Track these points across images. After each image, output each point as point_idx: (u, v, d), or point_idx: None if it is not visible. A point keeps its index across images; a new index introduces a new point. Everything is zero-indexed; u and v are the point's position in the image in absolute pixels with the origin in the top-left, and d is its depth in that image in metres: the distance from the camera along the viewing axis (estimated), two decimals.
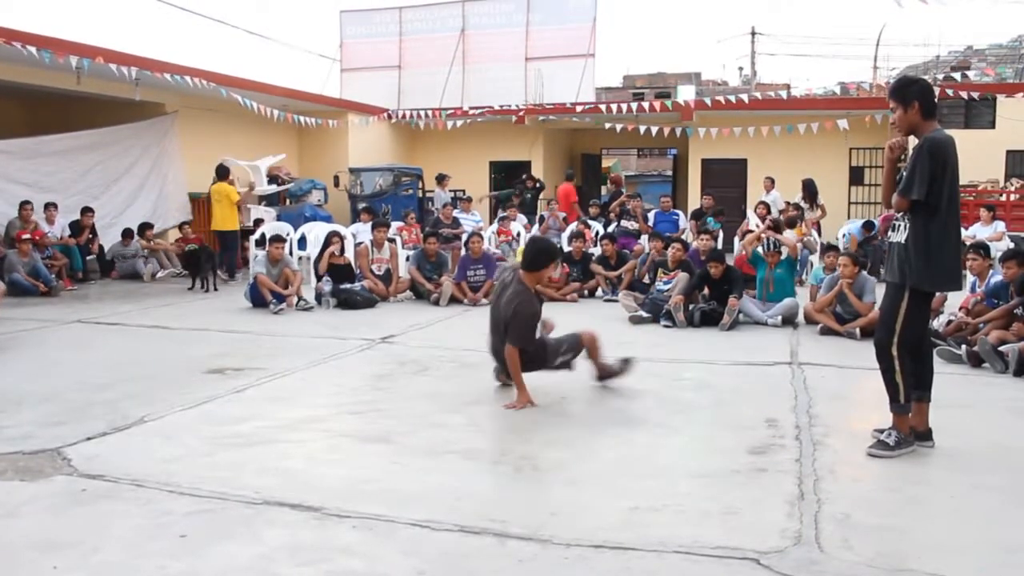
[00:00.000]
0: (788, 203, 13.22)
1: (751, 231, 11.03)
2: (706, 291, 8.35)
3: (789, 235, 10.04)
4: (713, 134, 15.25)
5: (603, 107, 16.95)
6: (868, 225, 12.92)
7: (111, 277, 12.15)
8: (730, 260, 9.17)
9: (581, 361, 5.40)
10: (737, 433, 4.44)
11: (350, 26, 21.41)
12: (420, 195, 16.31)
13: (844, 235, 13.15)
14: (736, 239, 12.17)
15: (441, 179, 15.58)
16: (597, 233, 12.48)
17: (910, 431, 4.09)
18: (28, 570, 2.80)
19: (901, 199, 3.97)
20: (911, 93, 4.03)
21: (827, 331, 7.58)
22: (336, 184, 16.08)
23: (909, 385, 4.04)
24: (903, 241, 4.01)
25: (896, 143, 4.10)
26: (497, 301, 5.30)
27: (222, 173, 12.28)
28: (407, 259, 10.91)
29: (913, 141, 4.10)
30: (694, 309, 8.17)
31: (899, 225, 4.08)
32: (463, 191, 17.02)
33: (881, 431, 4.13)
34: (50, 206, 11.65)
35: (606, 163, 24.31)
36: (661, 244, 9.58)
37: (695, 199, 16.81)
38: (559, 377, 5.34)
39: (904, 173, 4.01)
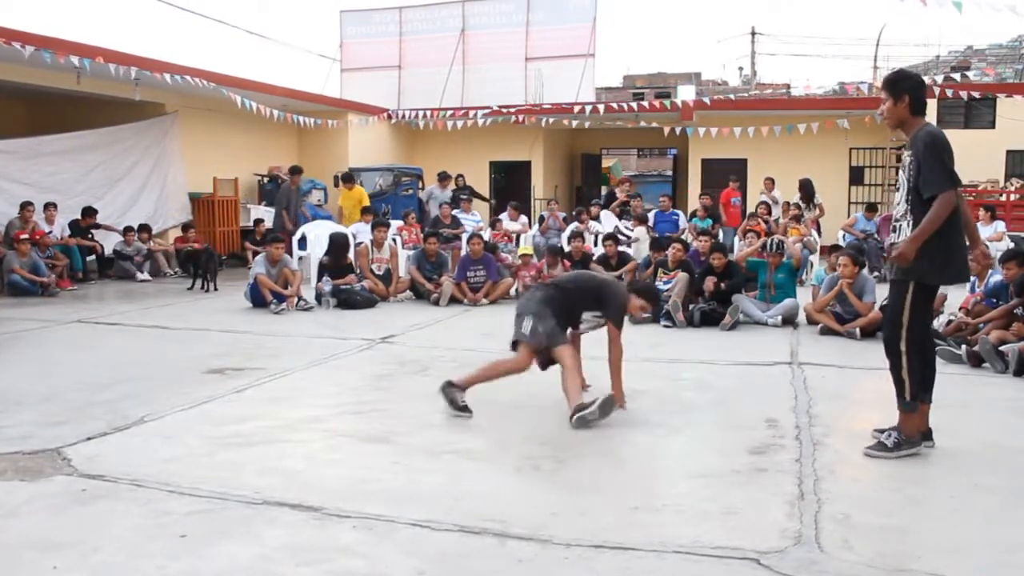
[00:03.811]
0: (788, 203, 13.22)
1: (752, 231, 11.03)
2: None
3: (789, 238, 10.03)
4: (713, 134, 15.23)
5: (602, 107, 16.92)
6: (871, 207, 13.40)
7: (109, 276, 12.15)
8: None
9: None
10: (737, 433, 4.44)
11: (350, 26, 21.41)
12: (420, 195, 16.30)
13: (843, 236, 13.12)
14: (736, 239, 12.16)
15: (443, 178, 15.48)
16: (598, 234, 12.47)
17: (917, 433, 4.04)
18: (28, 570, 2.80)
19: (945, 194, 3.82)
20: (902, 87, 4.04)
21: (827, 331, 7.58)
22: (336, 184, 16.06)
23: (915, 382, 3.99)
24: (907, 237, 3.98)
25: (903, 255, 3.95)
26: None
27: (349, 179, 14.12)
28: (407, 259, 10.91)
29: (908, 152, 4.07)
30: (694, 309, 8.17)
31: (899, 226, 4.06)
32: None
33: (881, 431, 4.12)
34: (49, 206, 11.64)
35: (606, 163, 24.29)
36: (660, 254, 9.47)
37: (695, 199, 16.79)
38: (558, 378, 5.32)
39: (911, 175, 3.98)
